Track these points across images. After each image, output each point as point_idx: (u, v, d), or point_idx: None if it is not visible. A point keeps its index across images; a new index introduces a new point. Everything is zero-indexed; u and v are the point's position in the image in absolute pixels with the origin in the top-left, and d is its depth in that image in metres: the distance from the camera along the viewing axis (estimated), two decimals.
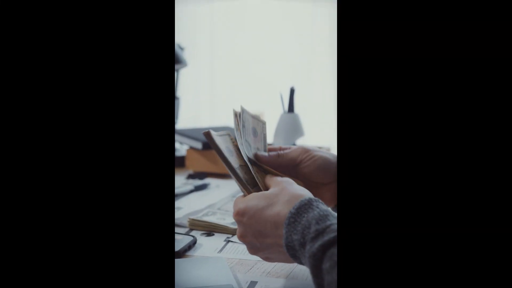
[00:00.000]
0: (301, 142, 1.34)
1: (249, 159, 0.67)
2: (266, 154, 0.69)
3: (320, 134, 2.16)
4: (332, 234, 0.53)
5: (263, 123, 0.72)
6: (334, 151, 1.64)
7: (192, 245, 0.79)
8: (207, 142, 1.32)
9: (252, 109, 1.95)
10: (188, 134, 1.33)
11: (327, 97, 2.30)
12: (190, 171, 1.30)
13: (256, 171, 0.66)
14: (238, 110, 0.68)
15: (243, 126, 0.67)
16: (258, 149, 0.70)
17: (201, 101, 2.50)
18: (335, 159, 0.71)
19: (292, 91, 1.30)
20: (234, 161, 0.65)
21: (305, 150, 0.70)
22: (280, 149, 0.71)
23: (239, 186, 0.65)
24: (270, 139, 1.42)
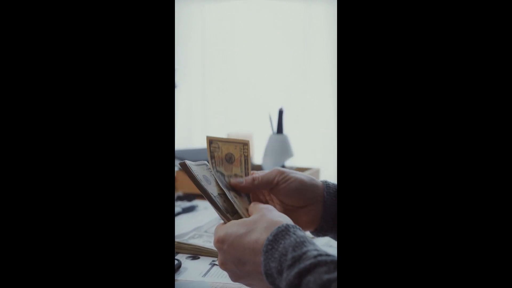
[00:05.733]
0: (290, 163, 1.34)
1: (226, 186, 0.66)
2: (241, 180, 0.68)
3: (310, 155, 2.16)
4: (308, 261, 0.52)
5: (244, 144, 0.70)
6: (325, 172, 1.65)
7: (176, 269, 0.78)
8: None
9: (242, 130, 1.94)
10: (178, 155, 1.33)
11: (320, 118, 2.31)
12: (180, 193, 1.30)
13: (234, 196, 0.66)
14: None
15: (212, 157, 0.67)
16: (236, 175, 0.69)
17: (193, 122, 2.50)
18: (311, 182, 0.69)
19: (280, 112, 1.31)
20: (212, 190, 0.65)
21: (281, 172, 0.69)
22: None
23: (218, 214, 0.64)
24: (259, 160, 1.42)
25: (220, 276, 0.77)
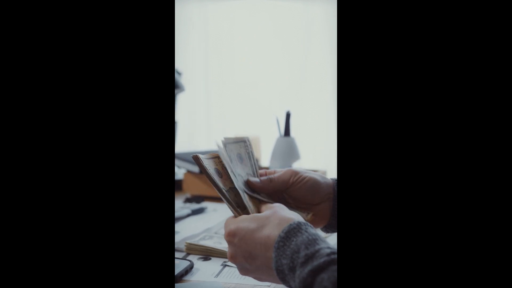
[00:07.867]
0: (297, 165, 1.35)
1: (243, 189, 0.67)
2: (258, 180, 0.70)
3: (316, 157, 2.17)
4: (322, 259, 0.53)
5: (244, 141, 0.71)
6: (330, 174, 1.66)
7: (189, 269, 0.79)
8: None
9: (248, 133, 1.95)
10: (186, 157, 1.34)
11: (322, 120, 2.32)
12: (188, 195, 1.31)
13: (248, 200, 0.67)
14: (221, 145, 0.68)
15: (231, 160, 0.68)
16: (248, 174, 0.70)
17: (197, 125, 2.50)
18: (324, 180, 0.72)
19: (288, 115, 1.32)
20: (224, 184, 0.66)
21: (296, 173, 0.71)
22: (267, 173, 0.72)
23: (229, 207, 0.65)
24: (266, 163, 1.43)
25: (233, 276, 0.78)
